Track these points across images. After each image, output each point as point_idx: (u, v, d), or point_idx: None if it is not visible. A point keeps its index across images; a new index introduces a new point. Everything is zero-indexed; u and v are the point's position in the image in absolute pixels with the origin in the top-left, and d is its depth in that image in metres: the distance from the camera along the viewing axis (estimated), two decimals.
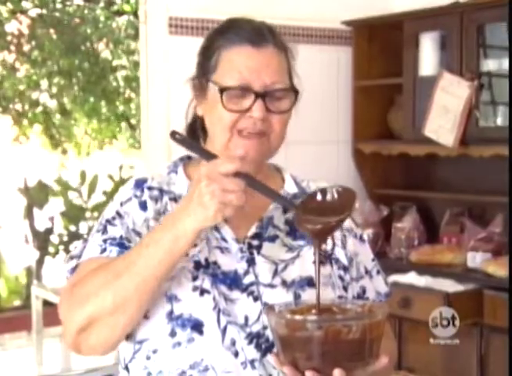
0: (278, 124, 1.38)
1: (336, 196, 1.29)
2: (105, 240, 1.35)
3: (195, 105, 1.47)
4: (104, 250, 1.34)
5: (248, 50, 1.37)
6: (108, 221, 1.38)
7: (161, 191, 1.42)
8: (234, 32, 1.39)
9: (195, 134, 1.50)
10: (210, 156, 1.28)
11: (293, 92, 1.40)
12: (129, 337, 1.35)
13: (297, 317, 1.21)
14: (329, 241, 1.46)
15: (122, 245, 1.33)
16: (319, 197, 1.29)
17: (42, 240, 6.64)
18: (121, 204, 1.40)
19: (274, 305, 1.27)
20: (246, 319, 1.34)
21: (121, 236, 1.35)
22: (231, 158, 1.24)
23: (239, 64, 1.36)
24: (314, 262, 1.41)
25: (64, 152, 7.54)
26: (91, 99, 7.15)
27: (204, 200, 1.20)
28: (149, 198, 1.40)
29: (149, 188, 1.42)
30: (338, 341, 1.16)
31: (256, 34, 1.38)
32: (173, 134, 1.31)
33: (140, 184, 1.43)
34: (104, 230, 1.37)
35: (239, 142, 1.36)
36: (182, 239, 1.23)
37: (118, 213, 1.38)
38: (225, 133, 1.37)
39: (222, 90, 1.36)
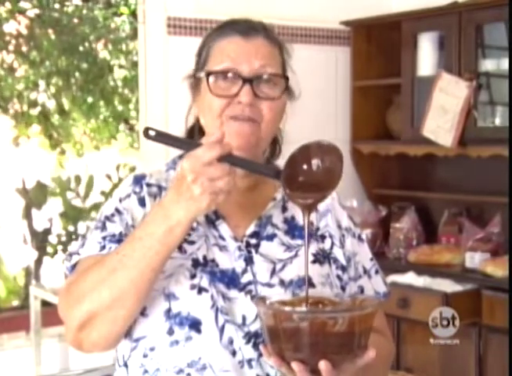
0: (268, 111, 1.36)
1: (321, 165, 1.27)
2: (104, 238, 1.35)
3: (192, 106, 1.47)
4: (103, 247, 1.34)
5: (237, 40, 1.38)
6: (107, 217, 1.37)
7: (160, 188, 1.42)
8: (227, 27, 1.41)
9: (194, 137, 1.49)
10: (191, 145, 1.24)
11: (284, 79, 1.39)
12: (127, 334, 1.35)
13: (284, 308, 1.21)
14: (328, 240, 1.46)
15: (121, 242, 1.32)
16: (305, 166, 1.26)
17: (41, 240, 6.63)
18: (120, 201, 1.39)
19: (265, 297, 1.27)
20: (244, 318, 1.34)
21: (120, 233, 1.35)
22: (210, 144, 1.20)
23: (228, 51, 1.37)
24: (312, 262, 1.42)
25: (63, 152, 7.54)
26: (90, 99, 7.15)
27: (195, 195, 1.18)
28: (147, 195, 1.40)
29: (148, 185, 1.42)
30: (324, 333, 1.16)
31: (248, 27, 1.40)
32: (146, 131, 1.25)
33: (139, 180, 1.42)
34: (103, 227, 1.36)
35: (230, 125, 1.35)
36: (176, 229, 1.22)
37: (117, 210, 1.38)
38: (215, 121, 1.36)
39: (208, 74, 1.36)
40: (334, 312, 1.21)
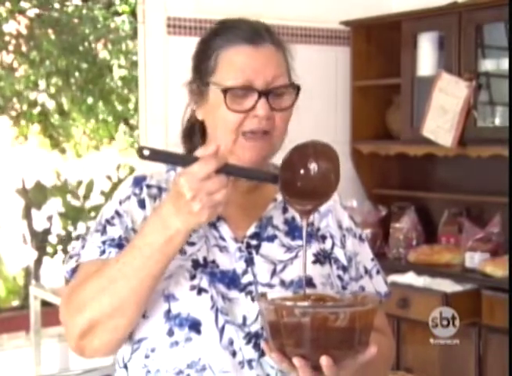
0: (281, 122, 1.37)
1: (318, 170, 1.27)
2: (104, 242, 1.35)
3: (191, 109, 1.46)
4: (103, 252, 1.34)
5: (247, 50, 1.36)
6: (107, 221, 1.37)
7: (160, 189, 1.42)
8: (231, 32, 1.38)
9: (191, 139, 1.49)
10: (186, 160, 1.22)
11: (294, 88, 1.39)
12: (128, 337, 1.35)
13: (285, 303, 1.21)
14: (329, 241, 1.46)
15: (121, 246, 1.32)
16: (302, 171, 1.27)
17: (40, 240, 6.64)
18: (120, 203, 1.39)
19: (266, 293, 1.28)
20: (245, 318, 1.34)
21: (120, 237, 1.35)
22: (206, 159, 1.19)
23: (241, 64, 1.35)
24: (313, 262, 1.42)
25: (63, 152, 7.55)
26: (89, 99, 7.15)
27: (194, 210, 1.18)
28: (147, 196, 1.40)
29: (148, 186, 1.41)
30: (326, 328, 1.17)
31: (254, 33, 1.38)
32: (140, 151, 1.21)
33: (139, 182, 1.42)
34: (103, 231, 1.36)
35: (244, 144, 1.35)
36: (176, 238, 1.22)
37: (117, 212, 1.38)
38: (229, 135, 1.35)
39: (226, 91, 1.34)
40: (336, 307, 1.22)
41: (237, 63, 1.35)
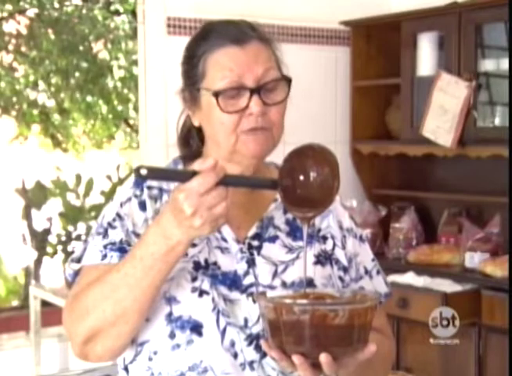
0: (276, 116, 1.36)
1: (318, 177, 1.26)
2: (105, 246, 1.34)
3: (186, 115, 1.45)
4: (105, 256, 1.33)
5: (233, 50, 1.35)
6: (109, 224, 1.37)
7: (161, 190, 1.41)
8: (216, 36, 1.37)
9: (189, 144, 1.48)
10: (185, 175, 1.21)
11: (286, 80, 1.38)
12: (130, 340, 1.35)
13: (284, 301, 1.22)
14: (330, 241, 1.46)
15: (123, 250, 1.32)
16: (301, 177, 1.26)
17: (40, 240, 6.63)
18: (121, 205, 1.38)
19: (266, 292, 1.28)
20: (246, 320, 1.34)
21: (121, 241, 1.34)
22: (205, 173, 1.18)
23: (228, 64, 1.34)
24: (314, 263, 1.43)
25: (65, 151, 7.55)
26: (89, 99, 7.15)
27: (195, 225, 1.18)
28: (148, 198, 1.39)
29: (149, 187, 1.41)
30: (325, 325, 1.17)
31: (238, 32, 1.37)
32: (137, 171, 1.17)
33: (140, 183, 1.41)
34: (105, 234, 1.36)
35: (246, 139, 1.34)
36: (177, 248, 1.22)
37: (118, 215, 1.37)
38: (229, 137, 1.34)
39: (217, 94, 1.33)
40: (335, 304, 1.22)
41: (225, 64, 1.34)
